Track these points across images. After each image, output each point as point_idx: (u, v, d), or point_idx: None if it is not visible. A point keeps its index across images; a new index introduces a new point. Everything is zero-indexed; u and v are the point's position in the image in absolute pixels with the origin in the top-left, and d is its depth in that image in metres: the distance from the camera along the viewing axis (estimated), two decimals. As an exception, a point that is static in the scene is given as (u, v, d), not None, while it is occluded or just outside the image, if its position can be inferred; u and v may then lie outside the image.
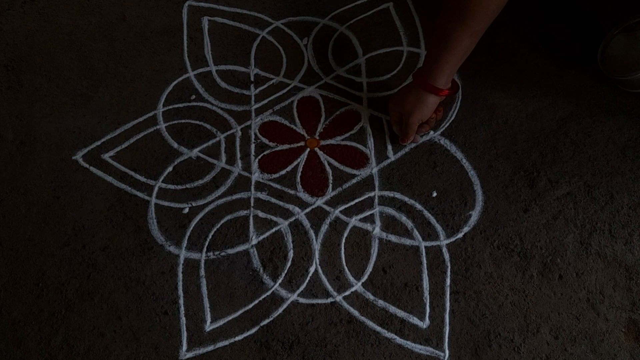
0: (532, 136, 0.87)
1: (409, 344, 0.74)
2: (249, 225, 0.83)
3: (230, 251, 0.81)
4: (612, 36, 0.85)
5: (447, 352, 0.73)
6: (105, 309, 0.77)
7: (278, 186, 0.86)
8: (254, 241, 0.81)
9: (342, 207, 0.83)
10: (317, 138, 0.90)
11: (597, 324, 0.74)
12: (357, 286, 0.78)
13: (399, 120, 0.84)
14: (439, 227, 0.81)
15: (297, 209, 0.84)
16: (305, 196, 0.85)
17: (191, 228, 0.83)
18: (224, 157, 0.88)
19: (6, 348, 0.75)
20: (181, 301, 0.77)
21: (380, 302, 0.77)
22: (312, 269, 0.79)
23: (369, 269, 0.79)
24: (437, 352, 0.73)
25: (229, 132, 0.91)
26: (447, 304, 0.76)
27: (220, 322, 0.76)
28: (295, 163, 0.88)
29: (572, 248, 0.78)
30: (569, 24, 0.95)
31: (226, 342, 0.75)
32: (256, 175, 0.87)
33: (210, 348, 0.74)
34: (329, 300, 0.77)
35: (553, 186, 0.83)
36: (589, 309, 0.75)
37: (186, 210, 0.84)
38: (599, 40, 0.88)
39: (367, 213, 0.83)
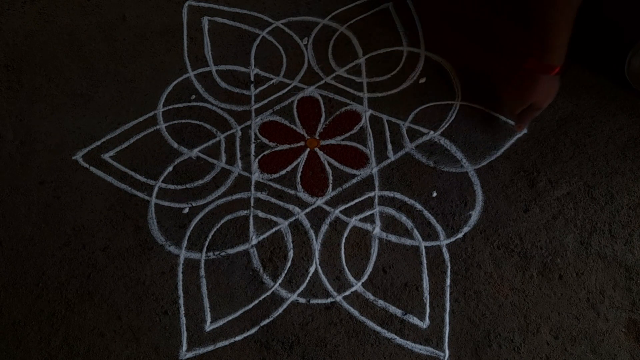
0: (532, 136, 0.87)
1: (409, 344, 0.74)
2: (249, 225, 0.83)
3: (230, 251, 0.81)
4: (637, 49, 0.86)
5: (447, 352, 0.73)
6: (105, 309, 0.77)
7: (278, 186, 0.86)
8: (254, 241, 0.81)
9: (342, 207, 0.83)
10: (317, 138, 0.90)
11: (597, 324, 0.74)
12: (357, 286, 0.78)
13: (519, 111, 0.83)
14: (439, 227, 0.81)
15: (297, 209, 0.84)
16: (305, 196, 0.85)
17: (191, 228, 0.83)
18: (224, 157, 0.88)
19: (6, 348, 0.75)
20: (181, 301, 0.77)
21: (380, 302, 0.77)
22: (312, 269, 0.79)
23: (369, 269, 0.79)
24: (437, 352, 0.73)
25: (229, 132, 0.90)
26: (447, 304, 0.76)
27: (220, 322, 0.76)
28: (295, 163, 0.88)
29: (572, 248, 0.78)
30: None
31: (226, 342, 0.75)
32: (256, 175, 0.87)
33: (210, 348, 0.74)
34: (329, 300, 0.77)
35: (553, 186, 0.83)
36: (589, 309, 0.75)
37: (186, 210, 0.84)
38: (600, 40, 0.88)
39: (367, 213, 0.83)
